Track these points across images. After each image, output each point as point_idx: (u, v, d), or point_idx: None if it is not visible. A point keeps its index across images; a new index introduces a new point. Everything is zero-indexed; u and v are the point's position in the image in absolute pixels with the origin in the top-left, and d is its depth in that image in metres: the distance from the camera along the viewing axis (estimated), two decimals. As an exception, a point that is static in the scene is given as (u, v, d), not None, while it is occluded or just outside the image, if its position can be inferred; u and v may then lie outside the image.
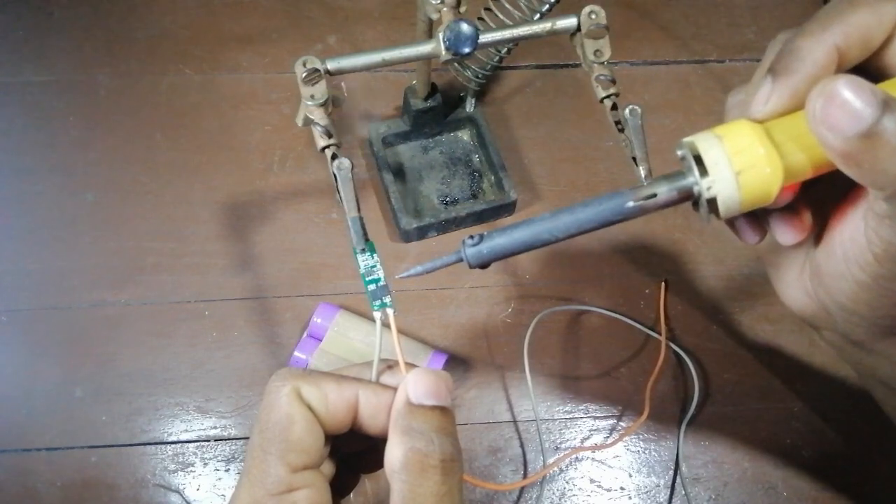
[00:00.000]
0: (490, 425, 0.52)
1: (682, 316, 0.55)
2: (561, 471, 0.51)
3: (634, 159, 0.41)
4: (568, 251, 0.57)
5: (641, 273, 0.57)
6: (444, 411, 0.27)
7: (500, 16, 0.48)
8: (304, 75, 0.37)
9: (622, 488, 0.51)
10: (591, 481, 0.51)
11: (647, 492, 0.51)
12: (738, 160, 0.24)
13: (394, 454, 0.26)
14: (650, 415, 0.51)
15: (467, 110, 0.58)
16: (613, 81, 0.41)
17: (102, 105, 0.59)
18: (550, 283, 0.56)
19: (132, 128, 0.58)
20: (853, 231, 0.25)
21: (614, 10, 0.66)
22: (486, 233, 0.28)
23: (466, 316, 0.54)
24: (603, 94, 0.41)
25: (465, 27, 0.40)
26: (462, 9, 0.41)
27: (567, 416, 0.52)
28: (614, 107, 0.41)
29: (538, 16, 0.46)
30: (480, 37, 0.40)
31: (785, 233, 0.27)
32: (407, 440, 0.26)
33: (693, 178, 0.25)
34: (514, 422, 0.52)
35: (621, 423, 0.52)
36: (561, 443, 0.52)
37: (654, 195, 0.26)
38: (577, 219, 0.26)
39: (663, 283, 0.56)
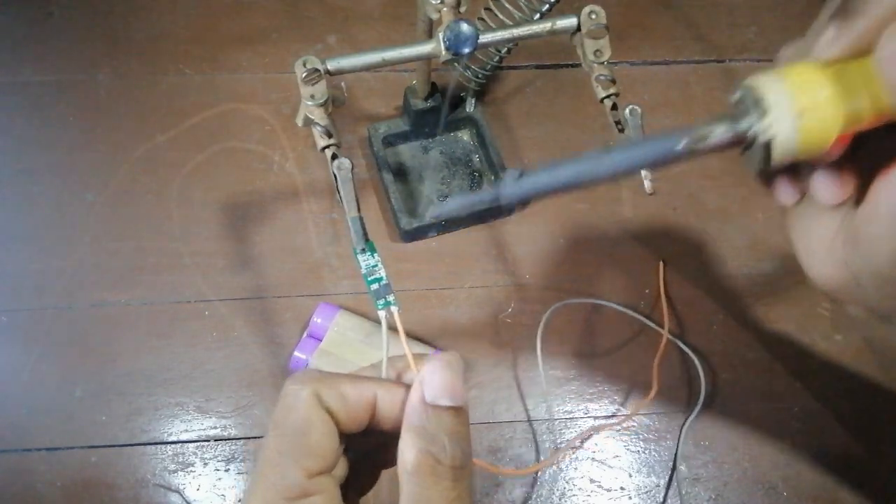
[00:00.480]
0: (490, 425, 0.52)
1: (682, 316, 0.55)
2: (561, 470, 0.51)
3: None
4: (569, 251, 0.57)
5: (642, 273, 0.57)
6: (459, 412, 0.27)
7: (501, 16, 0.48)
8: (304, 75, 0.37)
9: (622, 488, 0.51)
10: (591, 481, 0.51)
11: (647, 492, 0.51)
12: (801, 101, 0.23)
13: (406, 456, 0.26)
14: (657, 394, 0.51)
15: (467, 110, 0.58)
16: (613, 81, 0.41)
17: (102, 105, 0.59)
18: (550, 282, 0.56)
19: (132, 128, 0.58)
20: None
21: (614, 10, 0.66)
22: (523, 171, 0.26)
23: (467, 316, 0.54)
24: (603, 93, 0.41)
25: (464, 27, 0.40)
26: (462, 9, 0.41)
27: (567, 416, 0.52)
28: (614, 107, 0.41)
29: (538, 15, 0.46)
30: (480, 37, 0.40)
31: (828, 190, 0.26)
32: (419, 442, 0.26)
33: (752, 119, 0.24)
34: (514, 422, 0.52)
35: (621, 423, 0.52)
36: (561, 442, 0.52)
37: (708, 135, 0.25)
38: (625, 157, 0.25)
39: (661, 264, 0.56)
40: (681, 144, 0.25)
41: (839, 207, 0.28)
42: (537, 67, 0.63)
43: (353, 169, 0.36)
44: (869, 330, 0.31)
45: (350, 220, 0.35)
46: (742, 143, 0.25)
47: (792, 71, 0.24)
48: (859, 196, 0.27)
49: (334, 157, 0.37)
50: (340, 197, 0.36)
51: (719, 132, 0.25)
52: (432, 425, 0.26)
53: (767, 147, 0.24)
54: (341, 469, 0.29)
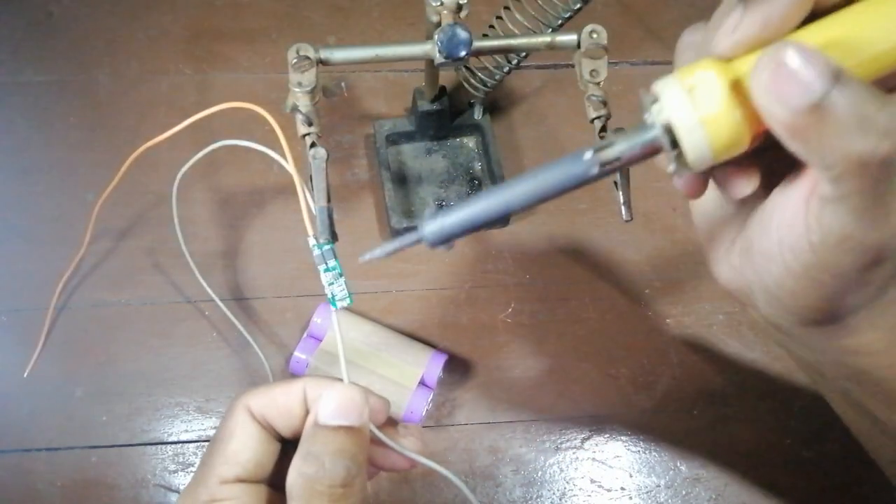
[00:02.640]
0: (490, 425, 0.52)
1: (682, 315, 0.55)
2: (561, 470, 0.51)
3: (616, 183, 0.40)
4: (568, 251, 0.57)
5: (642, 273, 0.57)
6: (350, 431, 0.27)
7: (510, 24, 0.48)
8: (294, 61, 0.38)
9: (622, 488, 0.51)
10: (592, 481, 0.51)
11: (647, 492, 0.51)
12: (700, 109, 0.22)
13: (289, 477, 0.27)
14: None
15: (475, 118, 0.58)
16: (605, 103, 0.41)
17: (102, 105, 0.59)
18: (550, 282, 0.56)
19: (132, 128, 0.58)
20: (793, 214, 0.23)
21: (614, 11, 0.66)
22: (441, 206, 0.27)
23: (466, 316, 0.54)
24: (594, 114, 0.41)
25: (460, 31, 0.40)
26: (463, 13, 0.41)
27: (567, 416, 0.52)
28: (603, 129, 0.41)
29: (560, 22, 0.46)
30: (475, 42, 0.40)
31: (737, 184, 0.25)
32: (300, 464, 0.27)
33: (655, 131, 0.23)
34: (514, 422, 0.52)
35: (621, 423, 0.52)
36: (561, 443, 0.52)
37: (610, 146, 0.23)
38: (537, 183, 0.24)
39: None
40: (587, 155, 0.23)
41: (743, 207, 0.27)
42: (537, 67, 0.63)
43: (327, 159, 0.36)
44: (770, 335, 0.31)
45: (317, 210, 0.35)
46: (652, 153, 0.23)
47: (689, 73, 0.22)
48: (765, 195, 0.26)
49: (313, 144, 0.37)
50: (312, 185, 0.36)
51: (622, 144, 0.23)
52: (317, 445, 0.27)
53: (683, 154, 0.23)
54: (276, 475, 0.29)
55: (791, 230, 0.23)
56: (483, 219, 0.25)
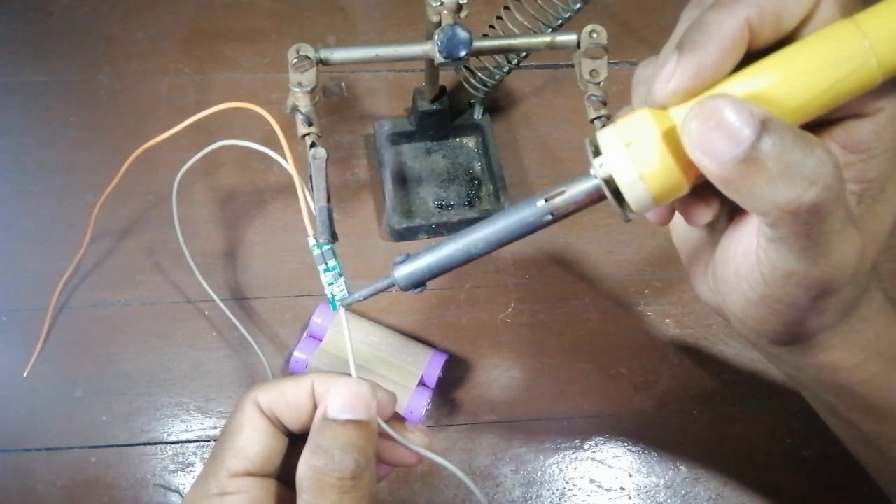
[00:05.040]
0: (490, 425, 0.52)
1: (682, 315, 0.55)
2: (560, 470, 0.51)
3: None
4: (568, 251, 0.57)
5: (642, 273, 0.57)
6: (358, 425, 0.28)
7: (510, 24, 0.48)
8: (294, 61, 0.38)
9: (622, 488, 0.51)
10: (591, 481, 0.51)
11: (647, 492, 0.51)
12: (641, 161, 0.23)
13: (299, 470, 0.27)
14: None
15: (475, 118, 0.58)
16: (605, 103, 0.41)
17: (102, 105, 0.59)
18: (550, 282, 0.56)
19: (132, 128, 0.58)
20: (746, 247, 0.24)
21: (614, 11, 0.66)
22: (409, 254, 0.28)
23: (467, 316, 0.54)
24: (593, 114, 0.41)
25: (460, 31, 0.40)
26: (463, 13, 0.41)
27: (567, 416, 0.52)
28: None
29: (560, 22, 0.46)
30: (475, 42, 0.40)
31: (696, 213, 0.25)
32: (307, 455, 0.27)
33: (597, 182, 0.24)
34: (514, 421, 0.52)
35: (621, 423, 0.52)
36: (560, 442, 0.52)
37: (561, 193, 0.25)
38: (496, 229, 0.26)
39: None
40: (539, 203, 0.25)
41: (714, 232, 0.28)
42: (537, 67, 0.63)
43: (327, 159, 0.36)
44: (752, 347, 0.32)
45: (317, 210, 0.35)
46: (599, 199, 0.25)
47: (627, 127, 0.23)
48: (719, 239, 0.27)
49: (313, 144, 0.37)
50: (312, 185, 0.36)
51: (570, 192, 0.25)
52: (326, 439, 0.27)
53: (623, 202, 0.24)
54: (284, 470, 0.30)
55: (745, 261, 0.24)
56: (448, 264, 0.27)
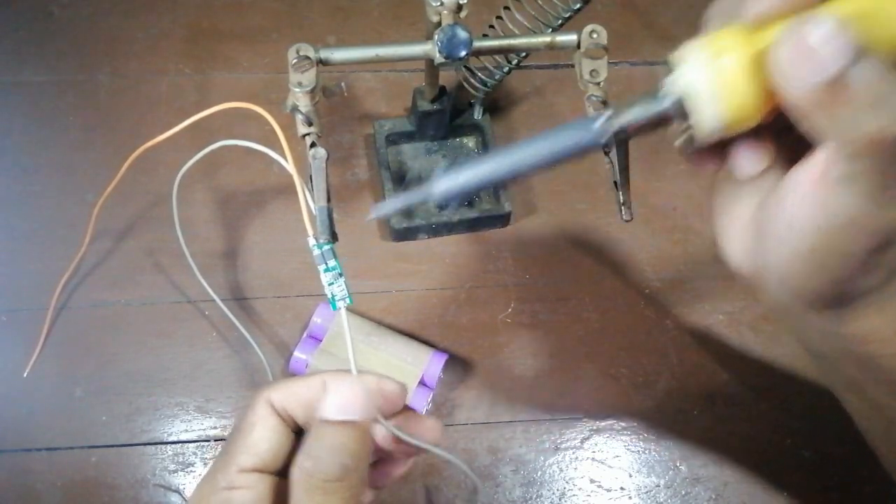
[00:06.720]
0: (490, 425, 0.52)
1: (682, 315, 0.55)
2: (561, 470, 0.51)
3: (616, 184, 0.40)
4: (568, 251, 0.57)
5: (641, 273, 0.57)
6: (352, 426, 0.28)
7: (510, 24, 0.48)
8: (294, 61, 0.38)
9: (622, 488, 0.51)
10: (591, 481, 0.51)
11: (647, 492, 0.51)
12: (718, 78, 0.22)
13: (291, 470, 0.28)
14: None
15: (475, 117, 0.58)
16: (605, 103, 0.41)
17: (102, 105, 0.59)
18: (550, 282, 0.56)
19: (132, 128, 0.58)
20: (803, 196, 0.24)
21: (614, 11, 0.66)
22: (452, 167, 0.27)
23: (466, 316, 0.54)
24: (594, 114, 0.41)
25: (460, 31, 0.40)
26: (462, 13, 0.41)
27: (567, 416, 0.52)
28: None
29: (560, 22, 0.46)
30: (475, 42, 0.40)
31: (745, 161, 0.25)
32: (301, 458, 0.28)
33: (670, 99, 0.23)
34: (514, 422, 0.52)
35: (621, 423, 0.52)
36: (560, 443, 0.52)
37: (624, 110, 0.24)
38: (544, 147, 0.25)
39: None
40: (598, 123, 0.24)
41: (758, 187, 0.27)
42: (537, 67, 0.63)
43: (327, 159, 0.36)
44: (781, 321, 0.31)
45: (317, 210, 0.35)
46: (664, 121, 0.24)
47: (712, 42, 0.22)
48: (773, 190, 0.26)
49: (313, 144, 0.37)
50: (311, 185, 0.36)
51: (637, 108, 0.24)
52: (318, 440, 0.28)
53: (690, 126, 0.23)
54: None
55: (801, 212, 0.24)
56: (490, 179, 0.25)
